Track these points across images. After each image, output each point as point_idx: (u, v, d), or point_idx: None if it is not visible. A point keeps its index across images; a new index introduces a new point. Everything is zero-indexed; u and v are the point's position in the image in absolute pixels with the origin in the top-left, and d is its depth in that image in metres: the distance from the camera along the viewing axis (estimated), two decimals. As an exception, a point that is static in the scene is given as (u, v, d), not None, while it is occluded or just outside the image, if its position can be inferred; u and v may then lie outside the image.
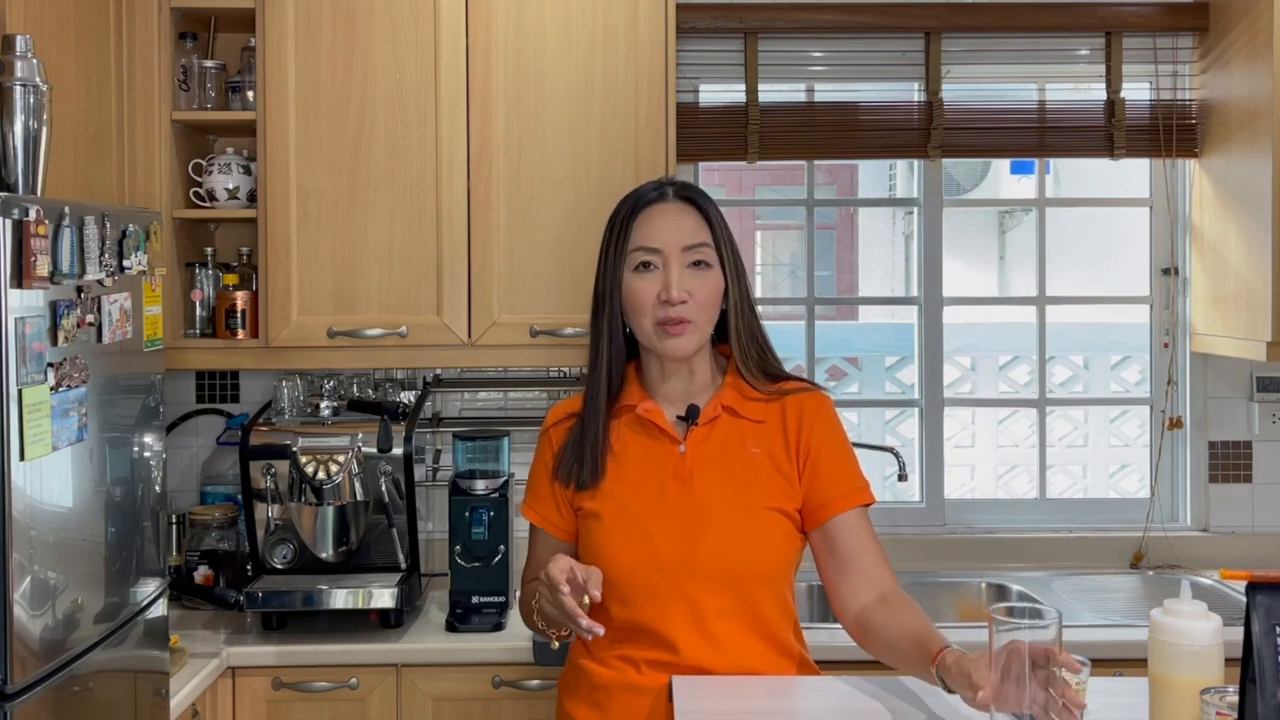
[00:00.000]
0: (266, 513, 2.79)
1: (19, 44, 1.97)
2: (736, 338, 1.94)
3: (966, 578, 3.15)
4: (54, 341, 1.81)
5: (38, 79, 1.97)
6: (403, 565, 2.83)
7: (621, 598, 1.89)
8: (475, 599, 2.77)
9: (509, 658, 2.62)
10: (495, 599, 2.77)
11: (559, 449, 1.99)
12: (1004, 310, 5.03)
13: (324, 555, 2.81)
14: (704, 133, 3.18)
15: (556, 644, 1.87)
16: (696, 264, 1.90)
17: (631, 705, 1.90)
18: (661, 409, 1.95)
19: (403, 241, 2.83)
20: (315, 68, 2.82)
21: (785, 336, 3.69)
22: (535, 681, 2.61)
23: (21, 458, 1.72)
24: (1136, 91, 3.24)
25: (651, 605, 1.88)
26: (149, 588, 2.20)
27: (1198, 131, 3.21)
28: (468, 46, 2.83)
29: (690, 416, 1.93)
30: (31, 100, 1.96)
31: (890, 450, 3.11)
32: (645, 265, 1.90)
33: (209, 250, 3.01)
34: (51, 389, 1.79)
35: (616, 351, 1.95)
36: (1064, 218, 4.14)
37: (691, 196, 1.94)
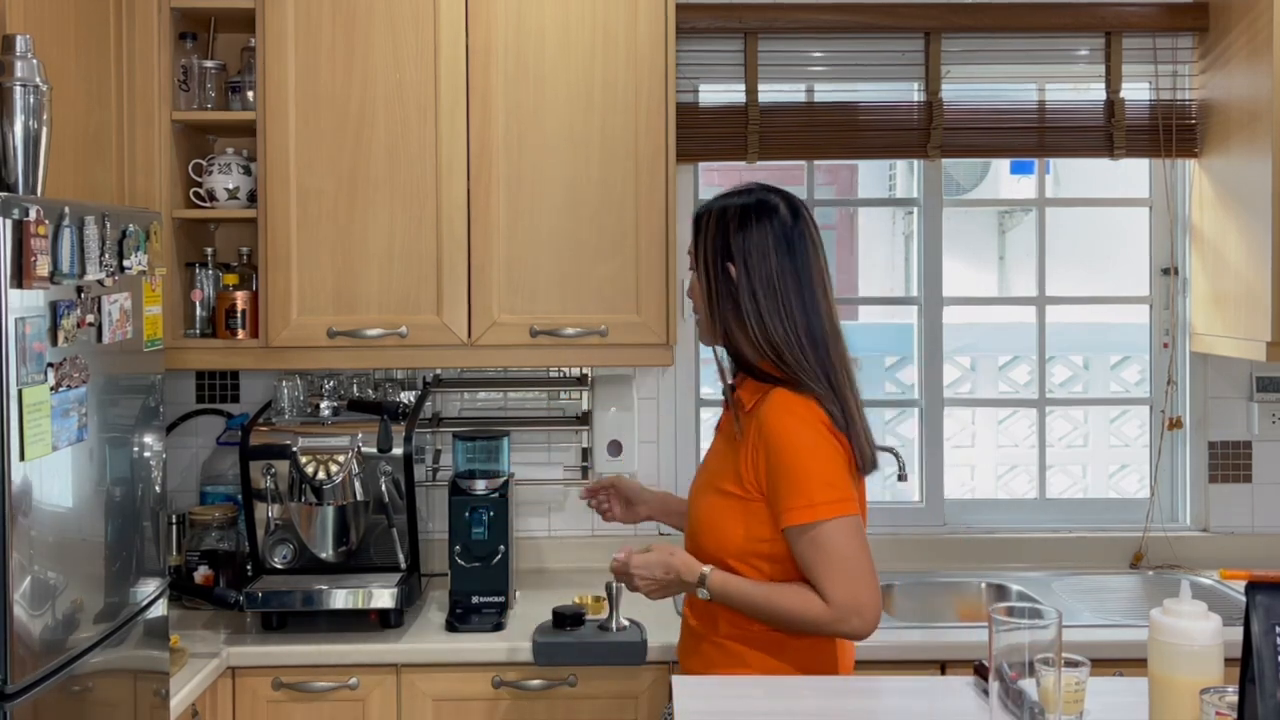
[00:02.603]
0: (266, 513, 2.79)
1: (19, 44, 1.96)
2: (725, 336, 2.11)
3: (966, 578, 3.15)
4: (54, 341, 1.81)
5: (38, 79, 1.97)
6: (403, 565, 2.83)
7: None
8: (475, 599, 2.77)
9: (509, 658, 2.62)
10: (495, 599, 2.77)
11: None
12: (1004, 310, 5.01)
13: (324, 555, 2.81)
14: (704, 133, 3.18)
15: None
16: (692, 269, 2.16)
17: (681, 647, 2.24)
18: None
19: (403, 241, 2.83)
20: (315, 68, 2.82)
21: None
22: (535, 681, 2.61)
23: (21, 458, 1.72)
24: (1136, 91, 3.24)
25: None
26: (149, 588, 2.20)
27: (1197, 131, 3.21)
28: (468, 47, 2.83)
29: (726, 398, 2.16)
30: (31, 100, 1.96)
31: (890, 450, 3.11)
32: None
33: (209, 250, 3.01)
34: (51, 389, 1.79)
35: None
36: (1064, 218, 4.13)
37: (700, 209, 2.16)
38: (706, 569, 2.02)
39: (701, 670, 2.08)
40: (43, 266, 1.75)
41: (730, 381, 2.12)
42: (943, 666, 2.59)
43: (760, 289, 2.03)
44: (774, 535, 2.01)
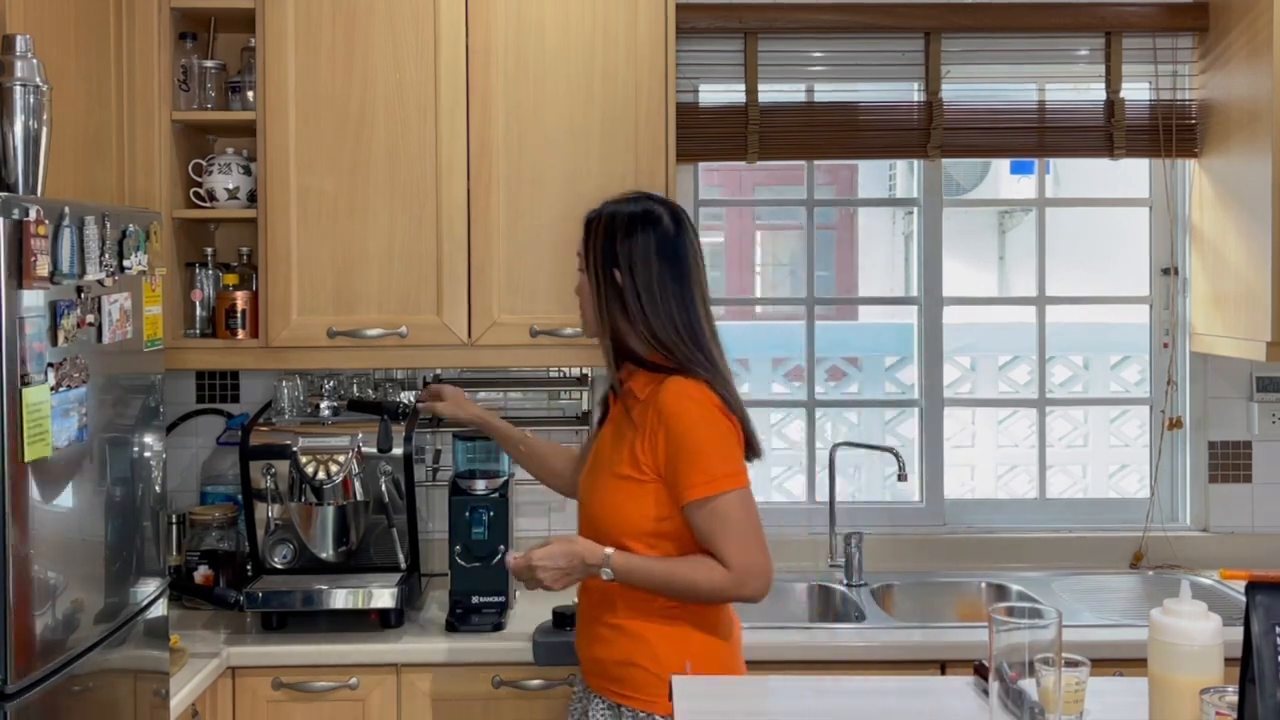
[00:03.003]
0: (266, 513, 2.79)
1: (19, 44, 1.97)
2: (613, 332, 2.18)
3: (966, 578, 3.15)
4: (54, 341, 1.81)
5: (38, 79, 1.98)
6: (403, 565, 2.84)
7: None
8: (475, 599, 2.77)
9: (509, 658, 2.62)
10: (495, 599, 2.77)
11: None
12: (1004, 310, 5.01)
13: (324, 555, 2.82)
14: (704, 133, 3.18)
15: None
16: (581, 269, 2.24)
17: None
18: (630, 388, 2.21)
19: (403, 241, 2.83)
20: (315, 68, 2.82)
21: (785, 336, 3.69)
22: (535, 681, 2.61)
23: (21, 458, 1.72)
24: (1136, 91, 3.24)
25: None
26: (149, 588, 2.20)
27: (1197, 131, 3.21)
28: (468, 47, 2.83)
29: (614, 390, 2.24)
30: (31, 100, 1.96)
31: (890, 450, 3.11)
32: None
33: (209, 250, 3.01)
34: (51, 389, 1.79)
35: None
36: (1064, 218, 4.13)
37: (590, 215, 2.23)
38: (609, 550, 2.11)
39: (603, 655, 2.17)
40: (43, 266, 1.76)
41: (618, 375, 2.20)
42: (943, 666, 2.60)
43: (643, 293, 2.14)
44: (672, 513, 2.10)
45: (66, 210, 1.85)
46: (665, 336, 2.13)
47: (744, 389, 4.56)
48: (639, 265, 2.14)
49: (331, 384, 2.92)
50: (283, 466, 2.78)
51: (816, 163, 3.37)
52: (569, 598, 2.77)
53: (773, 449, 4.35)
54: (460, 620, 2.74)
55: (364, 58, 2.82)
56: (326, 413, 2.85)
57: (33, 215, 1.74)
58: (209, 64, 2.96)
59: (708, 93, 3.26)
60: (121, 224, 2.04)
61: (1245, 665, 1.46)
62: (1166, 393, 3.30)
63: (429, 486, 3.15)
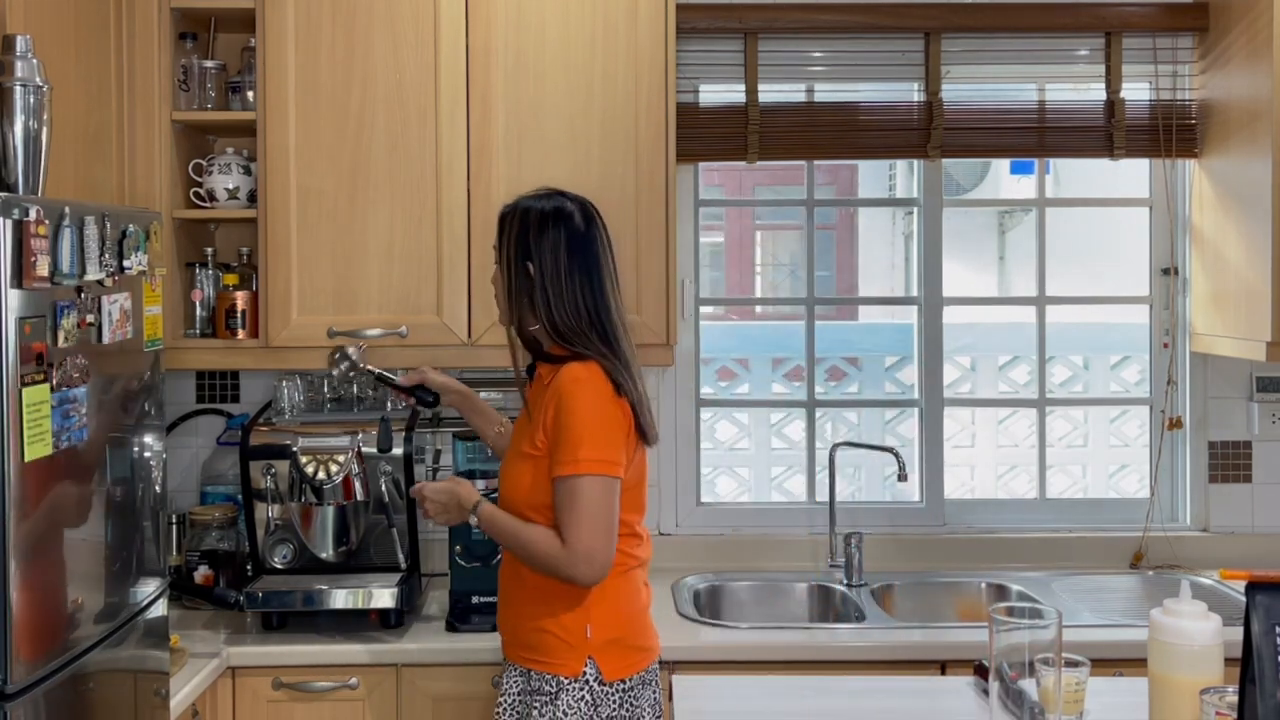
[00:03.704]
0: (266, 513, 2.79)
1: (19, 44, 1.97)
2: (519, 322, 2.28)
3: (966, 578, 3.15)
4: (54, 341, 1.81)
5: (38, 79, 1.98)
6: (403, 565, 2.83)
7: None
8: (475, 599, 2.77)
9: (509, 658, 2.62)
10: (495, 599, 2.76)
11: None
12: (1004, 310, 5.01)
13: (324, 555, 2.81)
14: (704, 133, 3.18)
15: None
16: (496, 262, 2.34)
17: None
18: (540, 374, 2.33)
19: (403, 241, 2.83)
20: (315, 68, 2.82)
21: (785, 336, 3.69)
22: (535, 681, 2.61)
23: (22, 458, 1.72)
24: (1136, 91, 3.24)
25: None
26: (149, 588, 2.20)
27: (1197, 131, 3.21)
28: (467, 46, 2.83)
29: (530, 374, 2.35)
30: (31, 100, 1.96)
31: (890, 450, 3.11)
32: None
33: (209, 250, 3.01)
34: (51, 389, 1.79)
35: None
36: (1064, 218, 4.14)
37: (505, 210, 2.31)
38: (479, 499, 2.27)
39: (516, 623, 2.26)
40: (43, 266, 1.76)
41: (530, 363, 2.32)
42: (943, 666, 2.59)
43: (550, 286, 2.23)
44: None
45: (66, 210, 1.85)
46: (566, 327, 2.22)
47: (744, 389, 4.57)
48: (548, 259, 2.23)
49: (332, 384, 2.92)
50: (283, 466, 2.78)
51: (816, 163, 3.37)
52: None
53: (773, 449, 4.35)
54: (460, 620, 2.74)
55: (364, 57, 2.82)
56: (328, 410, 2.85)
57: (33, 215, 1.74)
58: (209, 64, 2.96)
59: (708, 93, 3.26)
60: (121, 224, 2.04)
61: (1245, 665, 1.46)
62: (1166, 393, 3.30)
63: (429, 486, 3.15)
